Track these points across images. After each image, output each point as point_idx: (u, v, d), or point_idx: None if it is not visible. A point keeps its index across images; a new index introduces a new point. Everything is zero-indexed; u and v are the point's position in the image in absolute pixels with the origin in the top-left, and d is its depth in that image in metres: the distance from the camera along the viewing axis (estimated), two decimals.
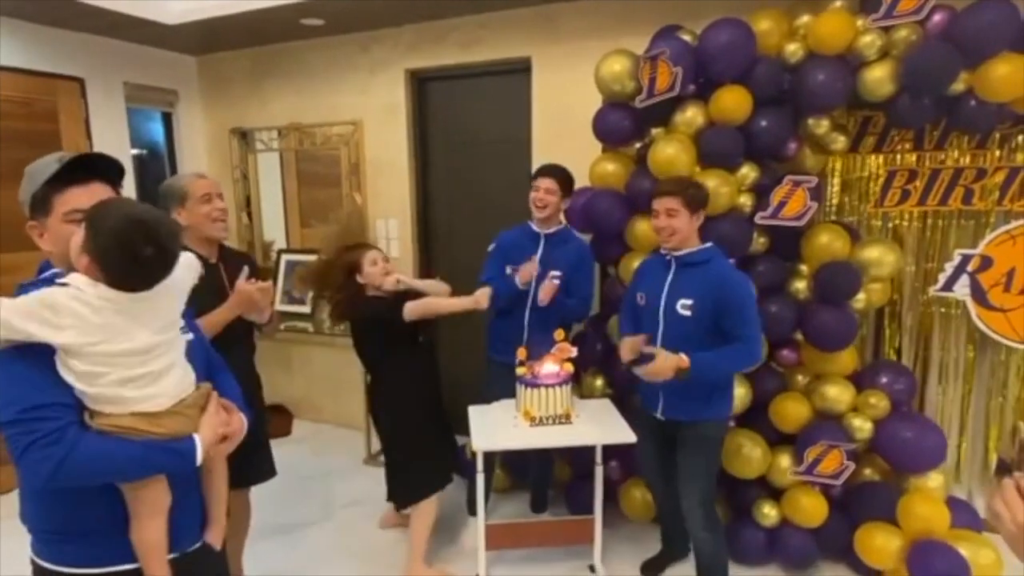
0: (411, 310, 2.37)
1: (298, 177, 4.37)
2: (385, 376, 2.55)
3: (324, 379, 4.33)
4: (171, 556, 1.30)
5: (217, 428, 1.29)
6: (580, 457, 2.90)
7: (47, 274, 1.23)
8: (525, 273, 2.63)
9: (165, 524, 1.24)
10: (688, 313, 2.15)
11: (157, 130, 4.49)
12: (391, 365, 2.52)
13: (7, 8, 3.17)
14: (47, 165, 1.20)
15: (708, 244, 2.24)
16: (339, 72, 3.91)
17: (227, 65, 4.26)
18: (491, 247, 2.89)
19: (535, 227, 2.79)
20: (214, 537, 1.42)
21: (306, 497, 3.35)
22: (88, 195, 1.20)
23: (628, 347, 2.23)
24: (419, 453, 2.53)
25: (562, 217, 2.83)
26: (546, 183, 2.70)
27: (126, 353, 1.16)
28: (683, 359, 2.06)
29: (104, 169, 1.26)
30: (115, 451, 1.14)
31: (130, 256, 1.12)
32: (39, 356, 1.12)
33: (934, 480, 2.50)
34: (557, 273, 2.67)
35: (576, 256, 2.76)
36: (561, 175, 2.74)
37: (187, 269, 1.30)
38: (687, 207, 2.13)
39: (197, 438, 1.23)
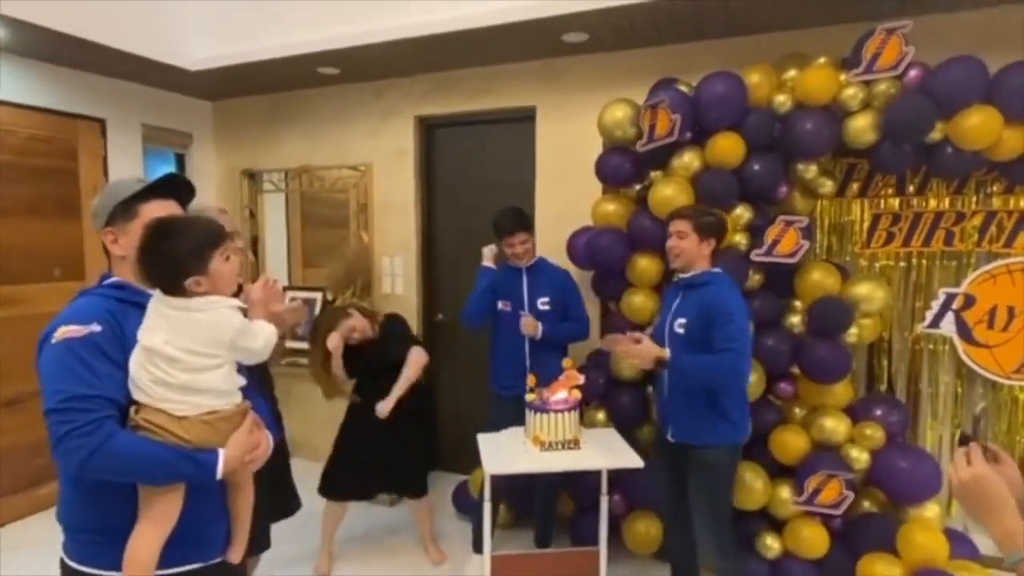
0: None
1: (302, 218, 4.49)
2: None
3: (323, 417, 4.31)
4: (192, 567, 1.33)
5: (246, 448, 1.32)
6: (584, 489, 2.93)
7: (109, 281, 1.35)
8: (530, 325, 2.82)
9: (162, 542, 1.25)
10: (682, 331, 2.27)
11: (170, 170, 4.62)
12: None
13: (37, 52, 3.33)
14: (130, 184, 1.36)
15: (715, 269, 2.33)
16: (350, 117, 4.10)
17: (241, 110, 4.45)
18: (483, 264, 3.07)
19: (514, 264, 2.97)
20: (234, 554, 1.44)
21: (303, 536, 3.31)
22: (166, 209, 1.36)
23: (610, 339, 2.36)
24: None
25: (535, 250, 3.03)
26: (520, 238, 2.88)
27: (145, 348, 1.24)
28: (664, 351, 2.22)
29: (179, 190, 1.42)
30: (143, 450, 1.20)
31: (143, 244, 1.27)
32: (92, 350, 1.20)
33: (931, 510, 2.56)
34: (545, 299, 2.88)
35: (560, 281, 2.96)
36: (526, 223, 2.93)
37: (227, 320, 1.28)
38: (696, 231, 2.26)
39: (221, 453, 1.27)
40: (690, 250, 2.27)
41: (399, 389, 2.81)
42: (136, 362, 1.23)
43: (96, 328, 1.21)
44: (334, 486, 2.98)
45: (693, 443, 2.29)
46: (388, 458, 2.91)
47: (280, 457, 2.25)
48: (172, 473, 1.23)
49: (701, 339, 2.20)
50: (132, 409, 1.24)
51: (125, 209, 1.34)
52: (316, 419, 4.35)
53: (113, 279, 1.35)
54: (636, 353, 2.23)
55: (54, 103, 3.57)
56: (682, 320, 2.27)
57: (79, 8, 3.07)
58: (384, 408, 2.78)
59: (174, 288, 1.27)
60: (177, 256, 1.25)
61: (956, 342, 2.88)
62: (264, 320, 1.39)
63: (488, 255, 3.06)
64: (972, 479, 0.95)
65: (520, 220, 2.90)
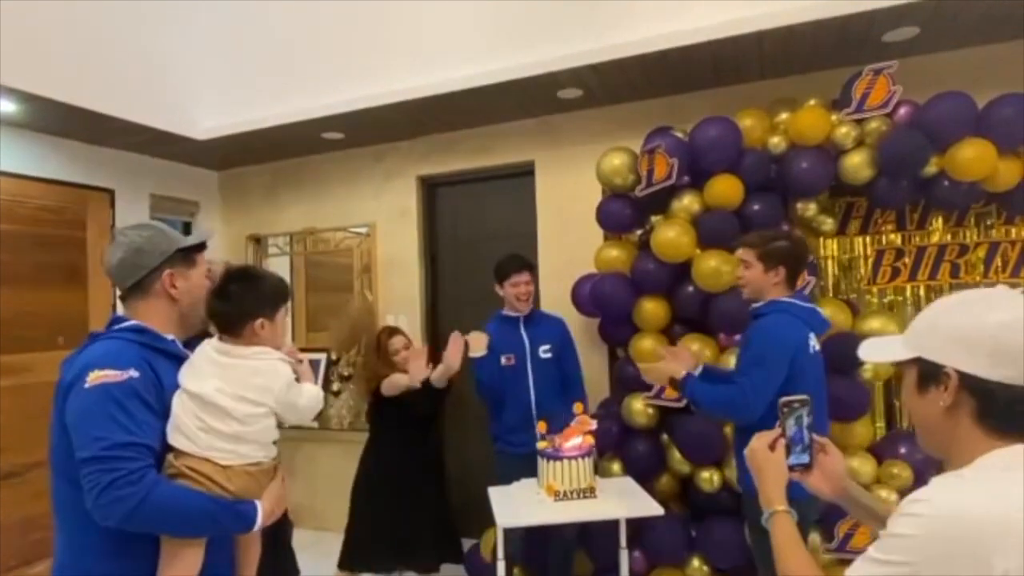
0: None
1: (307, 282, 4.51)
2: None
3: (328, 482, 4.18)
4: None
5: (278, 501, 1.34)
6: (602, 546, 2.79)
7: (127, 325, 1.32)
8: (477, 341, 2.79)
9: None
10: (732, 358, 2.27)
11: None
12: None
13: (48, 126, 3.44)
14: (170, 232, 1.41)
15: (783, 299, 2.11)
16: (354, 180, 4.19)
17: (247, 178, 4.55)
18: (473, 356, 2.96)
19: (511, 313, 2.93)
20: None
21: None
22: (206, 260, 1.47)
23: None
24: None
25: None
26: (524, 277, 2.89)
27: (194, 395, 1.24)
28: (679, 370, 2.16)
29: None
30: (188, 500, 1.19)
31: (224, 284, 1.39)
32: (131, 396, 1.19)
33: None
34: (547, 347, 2.87)
35: (559, 329, 2.97)
36: (530, 265, 2.95)
37: (277, 369, 1.35)
38: (761, 260, 2.10)
39: (259, 504, 1.28)
40: (756, 280, 2.11)
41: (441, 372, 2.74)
42: (182, 408, 1.24)
43: (134, 374, 1.21)
44: (357, 557, 2.86)
45: (741, 488, 2.20)
46: (416, 524, 2.83)
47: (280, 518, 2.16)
48: (214, 524, 1.23)
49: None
50: (171, 455, 1.23)
51: (186, 255, 1.38)
52: (320, 486, 4.22)
53: (133, 323, 1.32)
54: (651, 370, 2.21)
55: (64, 175, 3.65)
56: (739, 351, 2.23)
57: (89, 81, 3.19)
58: (434, 375, 2.73)
59: (240, 326, 1.34)
60: (257, 296, 1.37)
61: None
62: (312, 383, 1.45)
63: (478, 344, 2.84)
64: (748, 452, 1.16)
65: (523, 260, 2.92)
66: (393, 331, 3.07)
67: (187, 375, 1.27)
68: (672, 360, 2.22)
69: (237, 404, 1.26)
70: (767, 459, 1.12)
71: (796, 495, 1.10)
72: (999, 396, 0.85)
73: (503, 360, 2.88)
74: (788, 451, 1.13)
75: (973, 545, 0.76)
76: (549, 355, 2.86)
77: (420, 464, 2.85)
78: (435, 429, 2.96)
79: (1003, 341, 0.85)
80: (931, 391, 0.91)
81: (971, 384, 0.86)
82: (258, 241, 4.49)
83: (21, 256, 3.45)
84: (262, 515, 1.27)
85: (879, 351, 1.03)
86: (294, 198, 4.38)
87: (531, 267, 2.95)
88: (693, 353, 2.36)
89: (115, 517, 1.12)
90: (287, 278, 4.51)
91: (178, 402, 1.25)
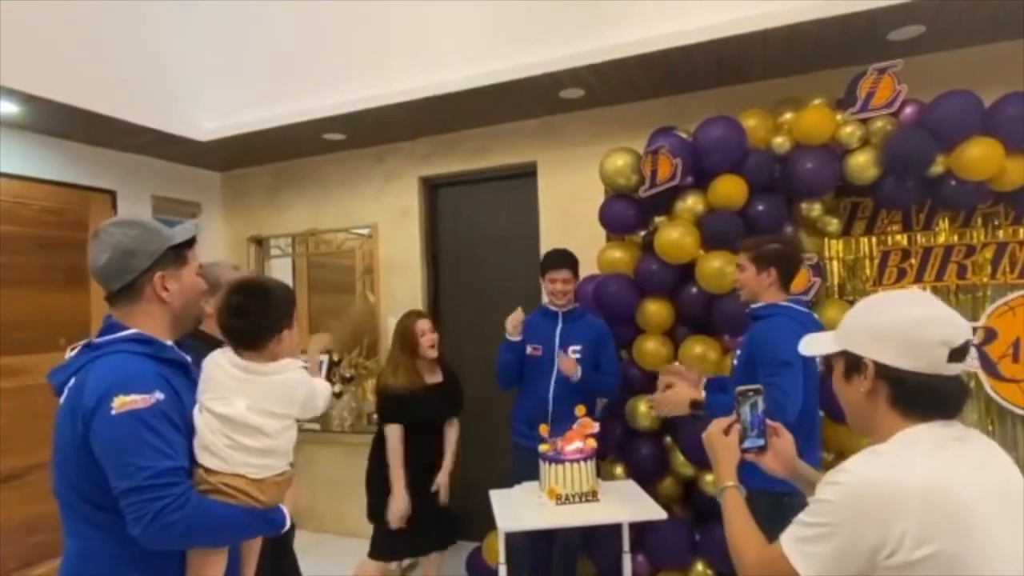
0: None
1: (309, 284, 4.50)
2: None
3: (328, 484, 4.17)
4: None
5: (294, 503, 1.40)
6: (604, 550, 2.76)
7: (128, 334, 1.26)
8: (569, 365, 2.69)
9: None
10: (736, 362, 2.21)
11: None
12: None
13: (50, 128, 3.44)
14: (162, 228, 1.34)
15: (782, 302, 2.14)
16: (355, 181, 4.18)
17: (249, 179, 4.55)
18: (508, 339, 2.92)
19: (550, 307, 2.90)
20: None
21: None
22: (199, 257, 1.42)
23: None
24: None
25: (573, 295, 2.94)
26: (563, 275, 2.82)
27: (222, 416, 1.24)
28: (699, 392, 2.07)
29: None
30: (227, 515, 1.22)
31: (224, 302, 1.36)
32: (161, 420, 1.18)
33: None
34: (577, 347, 2.75)
35: (596, 331, 2.84)
36: (572, 263, 2.86)
37: (301, 379, 1.35)
38: (753, 262, 2.15)
39: (285, 509, 1.33)
40: (751, 283, 2.16)
41: (449, 465, 2.88)
42: (208, 428, 1.23)
43: (160, 396, 1.19)
44: (389, 546, 2.84)
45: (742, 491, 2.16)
46: (428, 517, 2.81)
47: None
48: (251, 533, 1.31)
49: (745, 373, 2.09)
50: (202, 471, 1.23)
51: (176, 254, 1.32)
52: (321, 488, 4.21)
53: (134, 332, 1.26)
54: (666, 402, 2.10)
55: (66, 176, 3.65)
56: (739, 352, 2.21)
57: (90, 82, 3.18)
58: (442, 483, 2.84)
59: (264, 342, 1.33)
60: (275, 309, 1.36)
61: (982, 378, 2.78)
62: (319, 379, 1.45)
63: (514, 323, 2.81)
64: (705, 436, 1.30)
65: (566, 257, 2.85)
66: (419, 315, 2.97)
67: (209, 395, 1.26)
68: (682, 383, 2.14)
69: (267, 420, 1.27)
70: (721, 442, 1.26)
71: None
72: (908, 382, 0.98)
73: (529, 349, 2.84)
74: (744, 435, 1.27)
75: (878, 509, 0.90)
76: (577, 355, 2.75)
77: (429, 460, 2.83)
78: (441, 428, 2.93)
79: (911, 335, 0.98)
80: (854, 379, 1.05)
81: (885, 372, 1.00)
82: (260, 243, 4.49)
83: (23, 258, 3.45)
84: (288, 518, 1.33)
85: (815, 346, 1.16)
86: (296, 199, 4.38)
87: (572, 265, 2.85)
88: (691, 368, 2.32)
89: (165, 542, 1.15)
90: (289, 280, 4.52)
91: (202, 421, 1.24)
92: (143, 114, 3.43)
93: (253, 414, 1.25)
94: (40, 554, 3.36)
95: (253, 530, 1.29)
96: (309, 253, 4.39)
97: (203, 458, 1.22)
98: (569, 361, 2.69)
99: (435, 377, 2.89)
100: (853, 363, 1.05)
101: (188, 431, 1.24)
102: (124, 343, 1.24)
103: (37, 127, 3.41)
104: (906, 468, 0.92)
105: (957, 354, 0.96)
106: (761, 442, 1.27)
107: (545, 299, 2.97)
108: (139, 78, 3.44)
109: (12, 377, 3.33)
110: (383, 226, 4.07)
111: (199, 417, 1.24)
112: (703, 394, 2.08)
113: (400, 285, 4.01)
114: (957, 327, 0.98)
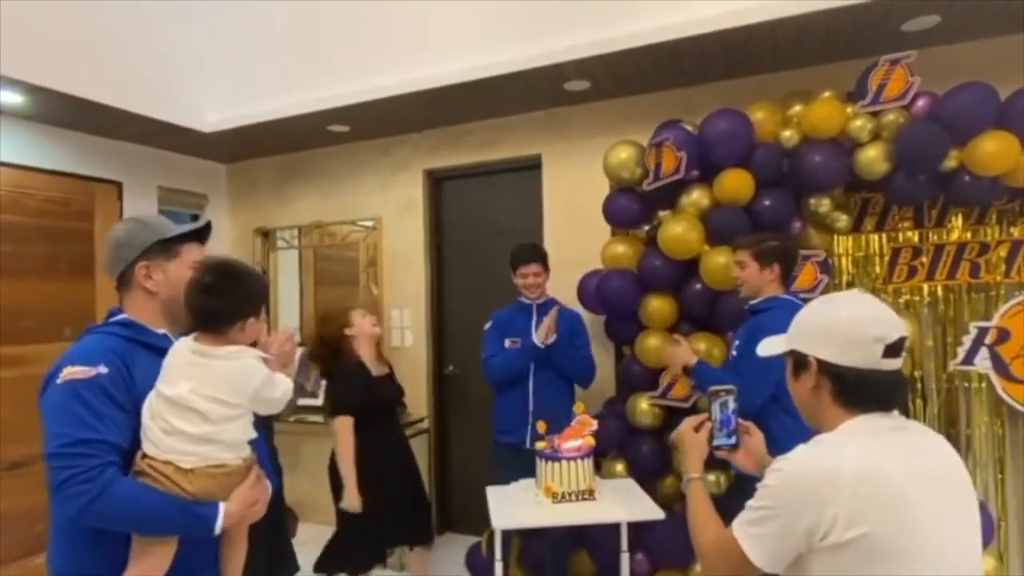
0: None
1: (315, 276, 4.50)
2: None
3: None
4: None
5: (248, 503, 1.29)
6: (603, 547, 2.73)
7: (116, 319, 1.32)
8: (546, 330, 2.75)
9: None
10: (734, 354, 2.27)
11: None
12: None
13: (56, 118, 3.45)
14: (163, 222, 1.39)
15: (783, 296, 2.23)
16: (360, 173, 4.16)
17: (255, 171, 4.54)
18: (487, 326, 2.99)
19: (524, 300, 2.93)
20: None
21: None
22: (200, 253, 1.41)
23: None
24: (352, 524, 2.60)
25: (546, 288, 2.97)
26: (533, 268, 2.87)
27: (165, 397, 1.21)
28: (692, 358, 2.35)
29: (207, 237, 1.46)
30: (142, 500, 1.17)
31: (193, 281, 1.30)
32: (97, 393, 1.17)
33: (986, 563, 2.33)
34: (553, 337, 2.78)
35: (569, 321, 2.88)
36: (541, 256, 2.92)
37: (253, 369, 1.27)
38: (755, 259, 2.22)
39: (222, 507, 1.23)
40: (752, 279, 2.24)
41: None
42: (149, 412, 1.21)
43: (103, 370, 1.20)
44: (348, 555, 2.66)
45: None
46: (402, 505, 2.73)
47: (277, 512, 2.14)
48: (169, 526, 1.20)
49: (736, 369, 2.15)
50: (139, 454, 1.21)
51: (166, 247, 1.35)
52: (323, 480, 4.20)
53: (121, 316, 1.33)
54: (667, 354, 2.38)
55: (72, 167, 3.66)
56: (736, 343, 2.26)
57: (94, 73, 3.18)
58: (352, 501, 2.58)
59: (229, 324, 1.29)
60: (248, 294, 1.32)
61: (993, 379, 2.71)
62: (282, 373, 1.39)
63: (546, 328, 2.75)
64: (676, 433, 1.39)
65: (534, 251, 2.91)
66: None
67: (162, 378, 1.24)
68: (683, 345, 2.42)
69: (212, 406, 1.22)
70: (692, 438, 1.34)
71: None
72: (848, 377, 1.05)
73: (507, 343, 2.89)
74: (715, 432, 1.32)
75: (813, 494, 0.97)
76: (553, 311, 2.81)
77: (391, 450, 2.76)
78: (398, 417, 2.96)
79: (849, 333, 1.05)
80: (801, 376, 1.12)
81: (827, 369, 1.07)
82: (266, 235, 4.48)
83: (28, 247, 3.46)
84: (223, 517, 1.22)
85: (770, 347, 1.21)
86: (301, 191, 4.36)
87: (542, 259, 2.90)
88: (694, 348, 2.51)
89: (70, 513, 1.13)
90: (296, 272, 4.52)
91: (146, 405, 1.22)
92: (147, 105, 3.43)
93: (196, 397, 1.20)
94: (44, 542, 3.38)
95: (175, 521, 1.18)
96: (315, 245, 4.38)
97: (143, 443, 1.21)
98: (547, 326, 2.74)
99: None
100: (800, 361, 1.12)
101: (136, 411, 1.22)
102: (110, 326, 1.30)
103: (42, 117, 3.41)
104: (840, 456, 0.99)
105: (892, 350, 1.02)
106: (733, 440, 1.32)
107: (520, 295, 2.97)
108: (143, 68, 3.43)
109: (17, 366, 3.35)
110: (388, 218, 4.05)
111: (147, 400, 1.23)
112: (695, 358, 2.36)
113: (404, 277, 4.00)
114: (892, 325, 1.04)
